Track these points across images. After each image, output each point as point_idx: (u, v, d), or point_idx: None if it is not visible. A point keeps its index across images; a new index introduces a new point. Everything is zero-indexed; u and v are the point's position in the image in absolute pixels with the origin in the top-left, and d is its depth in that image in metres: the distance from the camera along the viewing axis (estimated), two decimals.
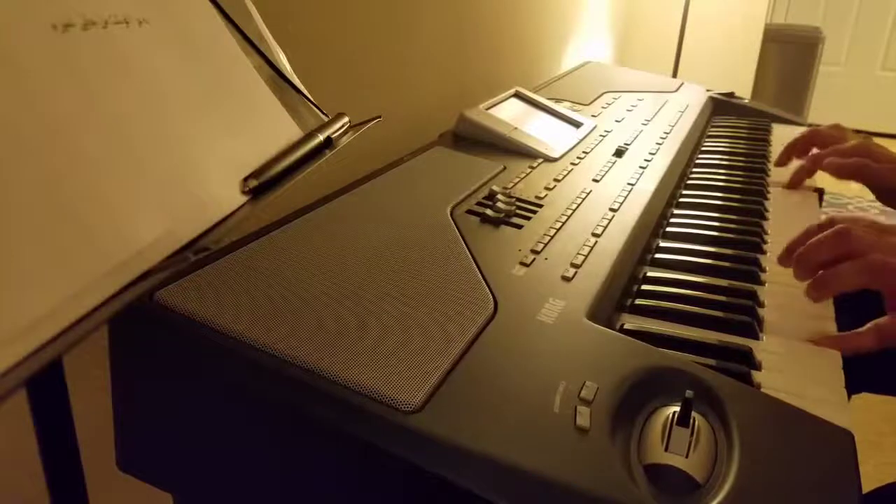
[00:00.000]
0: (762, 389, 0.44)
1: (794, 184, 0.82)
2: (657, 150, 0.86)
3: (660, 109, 1.06)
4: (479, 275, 0.50)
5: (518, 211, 0.62)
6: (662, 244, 0.66)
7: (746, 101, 1.21)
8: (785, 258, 0.57)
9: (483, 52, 1.27)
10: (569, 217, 0.62)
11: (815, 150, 0.81)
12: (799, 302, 0.55)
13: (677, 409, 0.39)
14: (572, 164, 0.77)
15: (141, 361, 0.42)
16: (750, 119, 1.13)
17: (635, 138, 0.89)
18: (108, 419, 0.44)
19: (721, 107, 1.19)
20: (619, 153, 0.82)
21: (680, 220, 0.71)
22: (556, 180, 0.71)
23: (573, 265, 0.53)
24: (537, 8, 1.52)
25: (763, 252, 0.65)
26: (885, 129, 3.46)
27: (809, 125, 0.94)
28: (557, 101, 1.00)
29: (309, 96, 0.52)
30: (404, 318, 0.43)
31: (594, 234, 0.60)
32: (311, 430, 0.37)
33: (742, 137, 1.03)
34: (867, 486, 0.41)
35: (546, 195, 0.67)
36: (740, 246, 0.65)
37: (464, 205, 0.62)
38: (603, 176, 0.74)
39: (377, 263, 0.49)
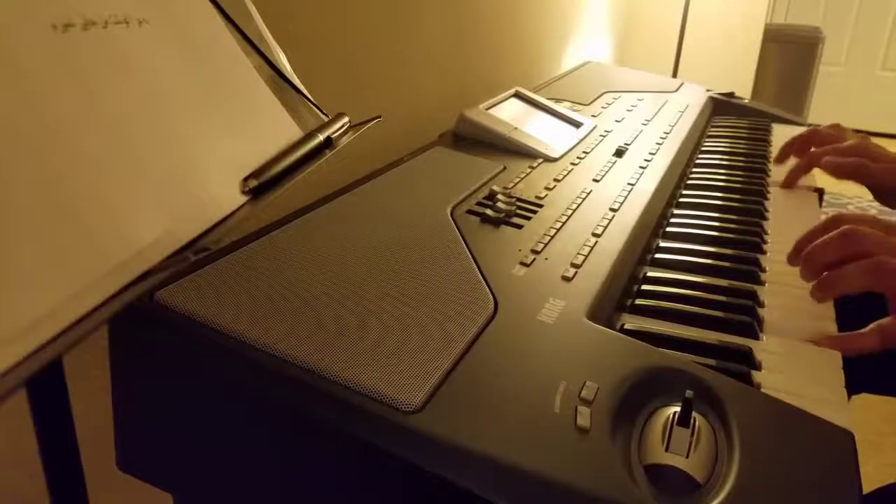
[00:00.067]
0: (762, 389, 0.44)
1: (790, 182, 0.82)
2: (657, 150, 0.86)
3: (660, 109, 1.06)
4: (480, 275, 0.50)
5: (518, 211, 0.62)
6: (662, 244, 0.65)
7: (746, 101, 1.21)
8: (794, 257, 0.57)
9: (483, 52, 1.27)
10: (569, 217, 0.62)
11: (812, 149, 0.81)
12: (799, 302, 0.55)
13: (678, 409, 0.39)
14: (572, 164, 0.77)
15: (141, 361, 0.42)
16: (750, 119, 1.13)
17: (635, 138, 0.89)
18: (108, 419, 0.44)
19: (721, 107, 1.19)
20: (619, 153, 0.82)
21: (680, 220, 0.71)
22: (556, 180, 0.71)
23: (573, 265, 0.53)
24: (537, 8, 1.52)
25: (763, 252, 0.65)
26: (885, 129, 3.46)
27: (809, 125, 0.94)
28: (557, 101, 1.00)
29: (309, 96, 0.52)
30: (404, 318, 0.43)
31: (594, 234, 0.60)
32: (312, 430, 0.37)
33: (742, 137, 1.03)
34: (867, 486, 0.41)
35: (546, 195, 0.67)
36: (740, 246, 0.65)
37: (464, 205, 0.62)
38: (603, 176, 0.74)
39: (377, 263, 0.49)
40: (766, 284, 0.59)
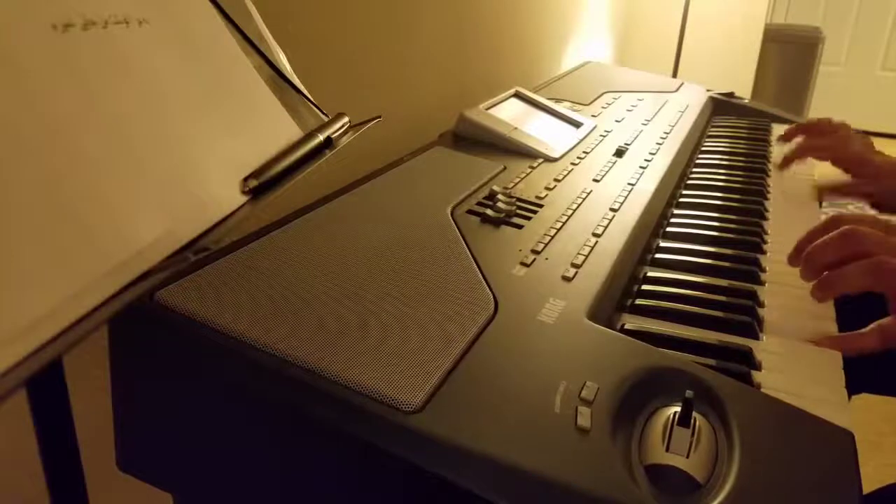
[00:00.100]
0: (762, 389, 0.44)
1: (786, 163, 0.83)
2: (657, 150, 0.86)
3: (660, 109, 1.06)
4: (480, 275, 0.50)
5: (518, 211, 0.62)
6: (662, 244, 0.65)
7: (746, 101, 1.21)
8: (794, 258, 0.57)
9: (483, 52, 1.27)
10: (569, 217, 0.62)
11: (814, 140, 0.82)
12: (799, 302, 0.55)
13: (678, 409, 0.39)
14: (572, 164, 0.77)
15: (141, 361, 0.42)
16: (750, 119, 1.13)
17: (635, 138, 0.89)
18: (108, 419, 0.44)
19: (721, 107, 1.19)
20: (619, 153, 0.82)
21: (680, 220, 0.71)
22: (556, 180, 0.71)
23: (573, 265, 0.53)
24: (537, 8, 1.52)
25: (763, 252, 0.65)
26: (885, 129, 3.46)
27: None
28: (557, 101, 1.00)
29: (309, 96, 0.52)
30: (405, 318, 0.43)
31: (594, 234, 0.60)
32: (312, 430, 0.37)
33: (742, 137, 1.03)
34: (867, 486, 0.41)
35: (546, 195, 0.67)
36: (740, 246, 0.65)
37: (464, 205, 0.62)
38: (603, 176, 0.74)
39: (377, 263, 0.49)
40: (766, 284, 0.59)
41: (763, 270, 0.61)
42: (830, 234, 0.53)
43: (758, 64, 2.58)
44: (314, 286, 0.45)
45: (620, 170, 0.77)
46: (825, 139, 0.81)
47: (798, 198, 0.80)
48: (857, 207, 2.48)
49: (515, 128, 0.82)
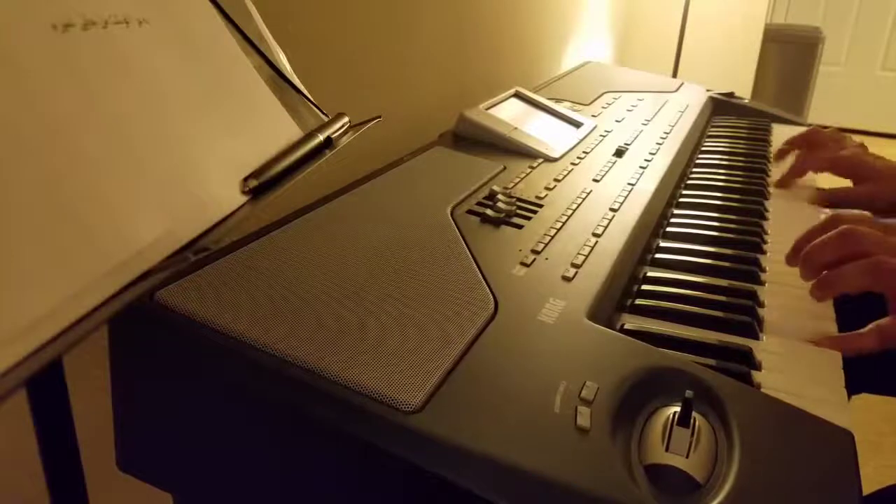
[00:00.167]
0: (762, 389, 0.44)
1: (784, 183, 0.83)
2: (657, 150, 0.86)
3: (660, 109, 1.06)
4: (480, 275, 0.50)
5: (518, 211, 0.62)
6: (662, 244, 0.66)
7: (746, 101, 1.21)
8: (792, 257, 0.57)
9: (483, 52, 1.27)
10: (569, 217, 0.62)
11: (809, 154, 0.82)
12: (799, 302, 0.55)
13: (678, 409, 0.39)
14: (572, 164, 0.77)
15: (141, 361, 0.42)
16: (750, 119, 1.13)
17: (635, 138, 0.89)
18: (108, 419, 0.44)
19: (721, 107, 1.19)
20: (619, 153, 0.82)
21: (680, 220, 0.71)
22: (556, 180, 0.71)
23: (573, 265, 0.53)
24: (537, 8, 1.52)
25: (763, 252, 0.65)
26: (885, 129, 3.46)
27: (809, 125, 0.95)
28: (557, 101, 1.00)
29: (309, 96, 0.52)
30: (404, 318, 0.43)
31: (594, 234, 0.60)
32: (312, 430, 0.37)
33: (742, 137, 1.03)
34: (867, 486, 0.41)
35: (546, 195, 0.67)
36: (740, 246, 0.65)
37: (464, 205, 0.62)
38: (603, 176, 0.74)
39: (377, 263, 0.49)
40: (766, 284, 0.59)
41: (763, 270, 0.61)
42: (829, 234, 0.53)
43: (758, 64, 2.58)
44: (314, 286, 0.45)
45: (620, 170, 0.77)
46: (821, 151, 0.81)
47: (798, 198, 0.80)
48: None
49: (515, 128, 0.82)
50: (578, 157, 0.79)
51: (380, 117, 0.55)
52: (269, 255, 0.48)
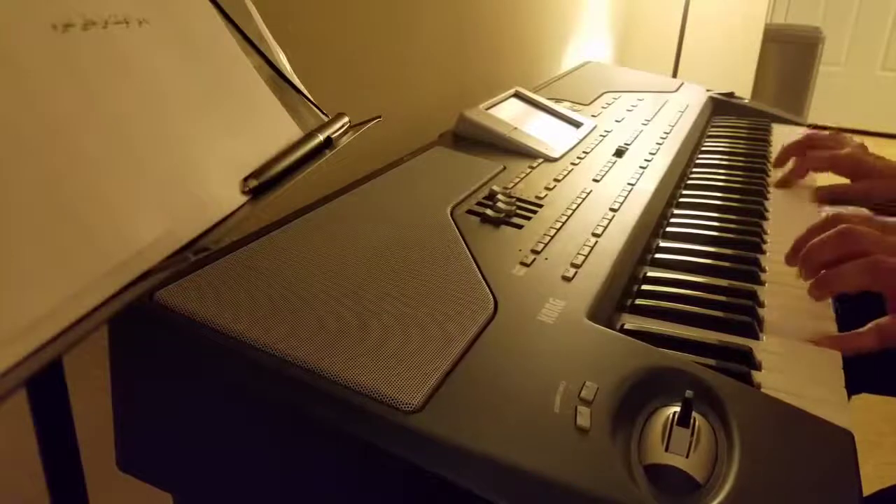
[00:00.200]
0: (762, 389, 0.44)
1: (784, 185, 0.82)
2: (657, 150, 0.86)
3: (660, 109, 1.06)
4: (480, 275, 0.50)
5: (518, 211, 0.62)
6: (662, 244, 0.66)
7: (746, 101, 1.21)
8: (791, 257, 0.57)
9: (483, 52, 1.27)
10: (569, 217, 0.62)
11: (808, 153, 0.82)
12: (799, 302, 0.55)
13: (677, 409, 0.39)
14: (572, 164, 0.77)
15: (141, 361, 0.42)
16: (750, 119, 1.13)
17: (635, 138, 0.89)
18: (108, 419, 0.44)
19: (721, 107, 1.19)
20: (619, 153, 0.82)
21: (680, 220, 0.71)
22: (556, 180, 0.71)
23: (573, 265, 0.53)
24: (537, 8, 1.52)
25: (763, 252, 0.65)
26: (885, 129, 3.46)
27: (809, 125, 0.95)
28: (557, 101, 1.00)
29: (309, 96, 0.52)
30: (404, 318, 0.43)
31: (594, 234, 0.60)
32: (311, 430, 0.37)
33: (742, 137, 1.03)
34: (867, 486, 0.41)
35: (546, 195, 0.67)
36: (740, 246, 0.65)
37: (464, 205, 0.62)
38: (603, 176, 0.74)
39: (377, 263, 0.49)
40: (766, 284, 0.59)
41: (763, 270, 0.61)
42: (828, 233, 0.53)
43: (758, 64, 2.58)
44: (314, 286, 0.45)
45: (620, 170, 0.77)
46: (820, 151, 0.81)
47: (798, 198, 0.80)
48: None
49: (515, 128, 0.82)
50: (578, 157, 0.79)
51: (380, 117, 0.55)
52: (269, 255, 0.48)
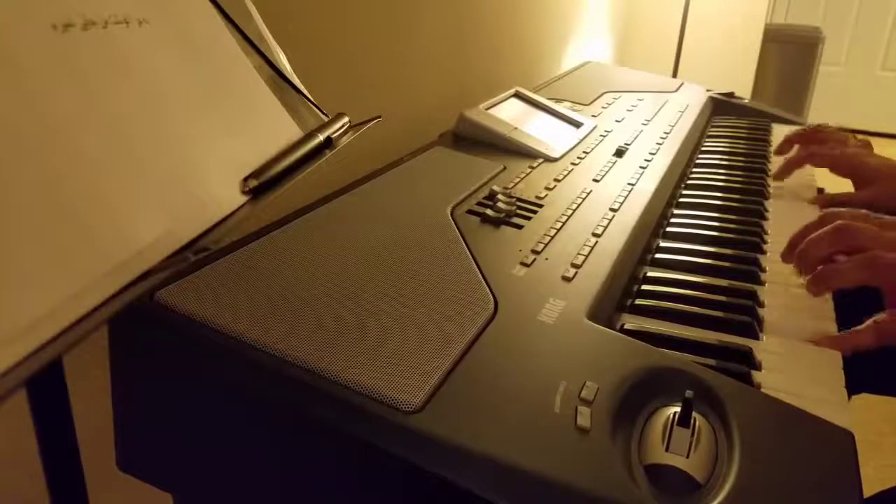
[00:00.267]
0: (762, 389, 0.44)
1: (783, 173, 0.82)
2: (657, 150, 0.86)
3: (660, 109, 1.06)
4: (480, 275, 0.50)
5: (518, 211, 0.61)
6: (662, 244, 0.65)
7: (746, 101, 1.21)
8: (787, 254, 0.57)
9: (483, 52, 1.27)
10: (569, 217, 0.62)
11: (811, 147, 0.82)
12: (799, 302, 0.55)
13: (678, 409, 0.39)
14: (572, 164, 0.77)
15: (141, 361, 0.42)
16: (750, 119, 1.13)
17: (635, 138, 0.89)
18: (108, 419, 0.44)
19: (721, 107, 1.19)
20: (619, 153, 0.82)
21: (680, 220, 0.71)
22: (556, 180, 0.71)
23: (573, 265, 0.53)
24: (537, 8, 1.52)
25: (763, 252, 0.65)
26: (885, 129, 3.46)
27: (809, 125, 0.95)
28: (557, 101, 1.00)
29: (309, 96, 0.52)
30: (404, 318, 0.43)
31: (594, 234, 0.60)
32: (311, 430, 0.37)
33: (742, 137, 1.03)
34: (867, 486, 0.41)
35: (546, 195, 0.67)
36: (740, 246, 0.65)
37: (464, 205, 0.62)
38: (603, 176, 0.74)
39: (377, 263, 0.49)
40: (766, 284, 0.59)
41: (763, 270, 0.61)
42: (824, 229, 0.54)
43: (758, 64, 2.58)
44: (314, 286, 0.45)
45: (620, 170, 0.77)
46: (822, 146, 0.81)
47: (798, 198, 0.80)
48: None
49: (515, 128, 0.82)
50: (578, 157, 0.79)
51: (380, 117, 0.55)
52: (269, 255, 0.48)
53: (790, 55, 2.87)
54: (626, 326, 0.51)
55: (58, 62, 0.31)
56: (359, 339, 0.41)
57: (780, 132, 1.06)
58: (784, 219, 0.73)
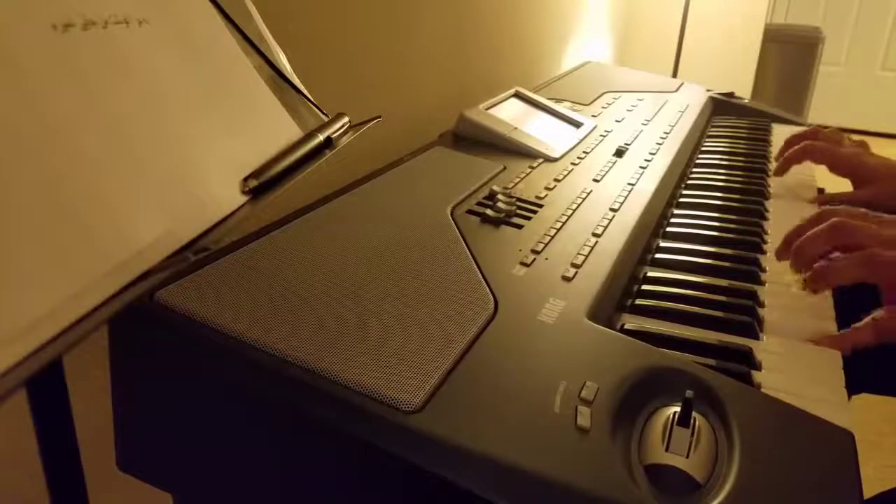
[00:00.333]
0: (762, 389, 0.44)
1: (782, 169, 0.82)
2: (657, 150, 0.86)
3: (660, 109, 1.06)
4: (480, 275, 0.50)
5: (518, 211, 0.62)
6: (662, 244, 0.65)
7: (746, 101, 1.21)
8: (782, 251, 0.57)
9: (483, 52, 1.27)
10: (569, 217, 0.62)
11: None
12: (799, 301, 0.55)
13: (678, 409, 0.39)
14: (572, 164, 0.77)
15: (141, 361, 0.42)
16: (750, 119, 1.13)
17: (635, 138, 0.89)
18: (108, 419, 0.44)
19: (721, 107, 1.19)
20: (619, 153, 0.82)
21: (680, 220, 0.71)
22: (556, 180, 0.71)
23: (573, 265, 0.53)
24: (537, 8, 1.52)
25: (763, 252, 0.65)
26: (885, 129, 3.46)
27: (809, 125, 0.95)
28: (557, 101, 1.00)
29: (309, 96, 0.52)
30: (405, 318, 0.43)
31: (594, 234, 0.60)
32: (312, 430, 0.37)
33: (742, 137, 1.03)
34: (867, 486, 0.41)
35: (546, 195, 0.67)
36: (740, 246, 0.65)
37: (464, 205, 0.62)
38: (603, 176, 0.74)
39: (377, 263, 0.49)
40: (766, 284, 0.59)
41: (763, 270, 0.61)
42: (821, 226, 0.53)
43: (758, 64, 2.58)
44: (314, 286, 0.45)
45: (620, 170, 0.77)
46: (821, 143, 0.81)
47: (798, 198, 0.80)
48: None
49: (515, 128, 0.82)
50: (578, 157, 0.79)
51: (380, 117, 0.55)
52: (269, 255, 0.48)
53: (790, 55, 2.87)
54: (626, 326, 0.51)
55: (58, 62, 0.31)
56: (359, 340, 0.41)
57: (780, 132, 1.06)
58: (784, 219, 0.73)
